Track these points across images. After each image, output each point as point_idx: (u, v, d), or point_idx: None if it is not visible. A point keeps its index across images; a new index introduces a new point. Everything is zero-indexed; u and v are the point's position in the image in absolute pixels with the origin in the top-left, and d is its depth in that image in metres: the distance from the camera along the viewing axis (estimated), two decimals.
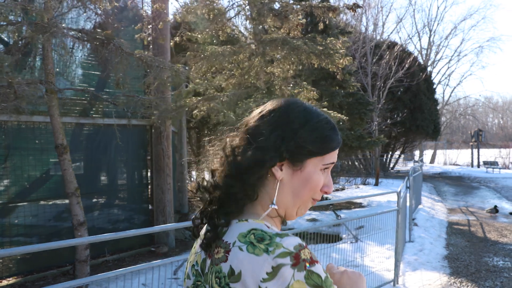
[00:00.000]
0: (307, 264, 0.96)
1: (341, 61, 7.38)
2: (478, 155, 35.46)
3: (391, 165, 33.56)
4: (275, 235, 1.01)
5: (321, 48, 6.95)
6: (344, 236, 11.74)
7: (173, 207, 10.39)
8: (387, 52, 21.85)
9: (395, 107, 27.63)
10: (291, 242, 0.99)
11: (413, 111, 28.28)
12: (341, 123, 8.49)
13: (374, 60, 21.59)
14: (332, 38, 13.67)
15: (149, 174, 10.54)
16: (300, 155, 1.12)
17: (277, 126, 1.12)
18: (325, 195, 4.00)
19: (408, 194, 9.80)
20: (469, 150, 37.45)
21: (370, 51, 20.81)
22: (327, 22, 14.98)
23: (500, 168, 30.19)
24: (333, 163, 1.18)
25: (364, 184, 22.19)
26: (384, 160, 31.87)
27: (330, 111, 8.05)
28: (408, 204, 9.80)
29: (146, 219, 10.20)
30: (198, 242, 1.21)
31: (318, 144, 1.13)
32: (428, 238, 9.97)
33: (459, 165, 40.17)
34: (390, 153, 33.54)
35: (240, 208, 1.12)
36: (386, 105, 26.80)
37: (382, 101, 20.92)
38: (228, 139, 1.18)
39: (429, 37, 47.18)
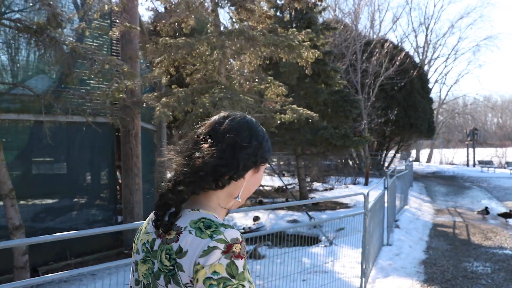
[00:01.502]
0: (233, 256, 1.17)
1: (306, 54, 6.93)
2: (474, 154, 35.00)
3: (386, 164, 33.09)
4: (220, 225, 1.23)
5: (281, 39, 6.50)
6: (322, 238, 11.32)
7: (142, 208, 9.95)
8: (377, 50, 21.37)
9: (388, 105, 27.17)
10: (231, 234, 1.20)
11: (406, 109, 27.80)
12: (315, 119, 8.04)
13: (364, 57, 21.12)
14: (308, 31, 13.19)
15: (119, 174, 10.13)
16: (261, 162, 1.40)
17: (254, 137, 1.37)
18: None
19: (386, 195, 9.35)
20: (466, 150, 37.00)
21: (360, 49, 20.35)
22: (308, 16, 14.63)
23: (495, 168, 29.75)
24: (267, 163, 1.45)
25: (354, 183, 21.77)
26: (379, 159, 31.42)
27: (299, 108, 7.61)
28: (386, 205, 9.35)
29: (114, 221, 9.78)
30: (149, 224, 1.41)
31: (269, 153, 1.44)
32: (408, 241, 9.53)
33: (455, 164, 39.71)
34: (385, 152, 33.07)
35: (194, 198, 1.33)
36: (379, 103, 26.38)
37: (372, 99, 20.44)
38: (204, 146, 1.34)
39: (426, 36, 46.70)
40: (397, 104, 27.52)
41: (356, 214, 6.57)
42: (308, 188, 21.31)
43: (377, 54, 20.69)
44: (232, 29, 6.57)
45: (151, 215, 1.45)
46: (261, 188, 22.18)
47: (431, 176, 27.70)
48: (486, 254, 8.84)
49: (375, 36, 28.76)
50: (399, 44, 35.09)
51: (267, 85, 7.47)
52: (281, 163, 30.51)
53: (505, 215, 12.10)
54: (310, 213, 14.25)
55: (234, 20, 7.37)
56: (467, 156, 36.28)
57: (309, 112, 7.74)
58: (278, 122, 7.72)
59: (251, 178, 1.40)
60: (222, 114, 1.41)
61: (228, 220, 13.44)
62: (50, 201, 8.97)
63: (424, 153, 52.84)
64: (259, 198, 17.24)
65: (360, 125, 20.22)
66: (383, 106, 26.88)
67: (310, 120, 15.40)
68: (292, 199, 16.76)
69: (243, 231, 12.38)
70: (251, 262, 8.36)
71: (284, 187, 20.82)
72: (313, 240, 10.91)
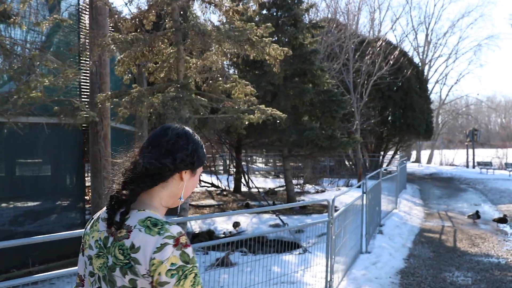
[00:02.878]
0: (183, 247, 1.43)
1: (268, 50, 6.48)
2: (474, 155, 34.42)
3: (385, 165, 32.57)
4: (165, 223, 1.47)
5: (236, 33, 6.05)
6: (304, 244, 10.87)
7: None
8: (369, 48, 20.87)
9: (385, 105, 26.68)
10: (175, 229, 1.46)
11: (403, 109, 27.30)
12: (283, 119, 7.58)
13: (357, 56, 20.64)
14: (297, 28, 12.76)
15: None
16: (198, 166, 1.66)
17: (191, 145, 1.62)
18: None
19: (364, 199, 8.90)
20: (466, 151, 36.36)
21: (352, 47, 19.87)
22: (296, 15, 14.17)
23: (494, 169, 29.16)
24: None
25: (347, 185, 21.28)
26: (378, 160, 30.93)
27: (267, 108, 7.17)
28: (364, 210, 8.90)
29: (83, 225, 9.35)
30: (100, 222, 1.61)
31: (204, 159, 1.68)
32: (389, 249, 9.07)
33: (455, 165, 39.09)
34: (382, 153, 32.58)
35: (140, 200, 1.55)
36: (375, 104, 25.87)
37: (365, 99, 19.96)
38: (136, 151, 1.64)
39: (426, 35, 46.10)
40: (394, 104, 27.04)
41: (318, 223, 6.13)
42: (299, 190, 20.90)
43: (370, 53, 20.17)
44: (185, 24, 6.10)
45: (100, 213, 1.65)
46: (252, 190, 21.79)
47: (428, 177, 27.16)
48: (470, 263, 8.38)
49: (374, 36, 28.31)
50: (398, 43, 34.51)
51: (233, 84, 7.03)
52: (278, 164, 30.08)
53: (500, 221, 11.59)
54: (295, 217, 13.82)
55: (197, 15, 6.89)
56: (467, 157, 35.69)
57: (277, 112, 7.29)
58: (246, 123, 7.29)
59: (189, 180, 1.63)
60: (164, 126, 1.66)
61: (210, 224, 13.02)
62: (9, 205, 8.57)
63: (425, 154, 52.18)
64: (246, 201, 16.82)
65: (352, 125, 19.73)
66: (379, 106, 26.39)
67: (297, 121, 15.07)
68: (280, 202, 16.31)
69: (223, 235, 11.95)
70: (219, 270, 7.94)
71: (273, 189, 20.44)
72: (294, 246, 10.45)
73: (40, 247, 8.43)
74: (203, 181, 22.90)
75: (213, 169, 23.79)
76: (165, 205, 1.63)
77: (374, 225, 10.58)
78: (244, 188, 22.00)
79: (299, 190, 20.80)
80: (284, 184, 22.25)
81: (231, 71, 17.69)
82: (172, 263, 1.40)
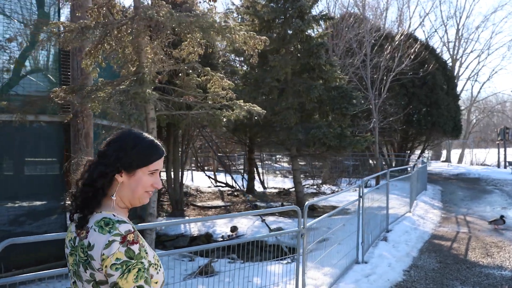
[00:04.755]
0: (129, 244, 1.58)
1: (236, 37, 5.78)
2: (505, 154, 32.77)
3: (411, 165, 31.32)
4: (116, 222, 1.65)
5: (191, 19, 5.38)
6: (301, 250, 10.15)
7: None
8: (388, 42, 19.87)
9: (409, 102, 25.50)
10: (124, 228, 1.62)
11: (429, 107, 26.10)
12: (262, 115, 6.87)
13: (374, 51, 19.68)
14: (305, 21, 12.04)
15: None
16: (131, 167, 1.75)
17: (115, 150, 1.74)
18: None
19: (360, 204, 8.13)
20: (497, 150, 34.66)
21: (369, 42, 18.93)
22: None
23: None
24: (157, 169, 1.81)
25: (366, 186, 20.34)
26: (403, 159, 29.79)
27: (246, 104, 6.50)
28: (361, 216, 8.12)
29: (63, 228, 8.87)
30: (72, 225, 1.77)
31: (142, 160, 1.76)
32: (390, 258, 8.27)
33: (487, 165, 37.37)
34: (408, 152, 31.39)
35: (96, 203, 1.73)
36: (397, 101, 24.80)
37: (383, 96, 18.99)
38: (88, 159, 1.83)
39: (457, 30, 44.35)
40: (418, 101, 25.84)
41: (287, 232, 5.44)
42: (315, 191, 20.09)
43: (389, 48, 19.17)
44: (136, 11, 5.46)
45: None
46: (265, 190, 21.12)
47: (453, 178, 25.89)
48: (479, 276, 7.51)
49: (401, 32, 27.12)
50: (426, 39, 33.25)
51: (207, 77, 6.38)
52: (301, 163, 29.27)
53: None
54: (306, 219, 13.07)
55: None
56: (498, 157, 34.05)
57: (258, 108, 6.61)
58: (224, 120, 6.64)
59: (129, 180, 1.77)
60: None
61: (209, 226, 12.42)
62: None
63: (456, 153, 50.36)
64: (255, 202, 16.16)
65: (370, 123, 18.80)
66: (403, 103, 25.28)
67: (306, 119, 14.30)
68: (290, 203, 15.59)
69: (221, 239, 11.33)
70: (197, 279, 7.32)
71: (287, 190, 19.70)
72: (292, 251, 9.75)
73: (13, 251, 8.00)
74: (217, 180, 22.37)
75: (228, 168, 23.14)
76: (122, 206, 1.80)
77: (378, 230, 9.78)
78: (259, 188, 21.39)
79: (314, 191, 20.03)
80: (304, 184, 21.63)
81: (244, 68, 17.12)
82: (117, 258, 1.56)
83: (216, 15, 5.73)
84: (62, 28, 5.46)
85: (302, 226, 5.27)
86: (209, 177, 22.42)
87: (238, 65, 18.39)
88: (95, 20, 6.64)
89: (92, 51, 6.47)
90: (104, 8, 6.48)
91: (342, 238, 8.17)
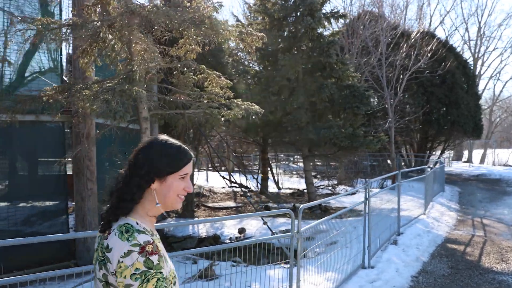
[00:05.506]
0: (148, 254, 1.60)
1: (227, 33, 5.55)
2: None
3: (431, 165, 30.67)
4: (136, 231, 1.66)
5: (178, 14, 5.15)
6: (308, 254, 9.89)
7: (97, 216, 8.88)
8: (404, 40, 19.41)
9: (428, 102, 24.93)
10: (142, 239, 1.63)
11: (448, 106, 25.50)
12: (260, 114, 6.63)
13: (389, 49, 19.25)
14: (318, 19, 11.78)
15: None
16: (161, 174, 1.76)
17: (145, 159, 1.76)
18: None
19: (366, 206, 7.84)
20: None
21: (384, 40, 18.52)
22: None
23: None
24: (187, 173, 1.82)
25: (382, 187, 19.93)
26: (423, 159, 29.19)
27: (244, 103, 6.28)
28: (367, 218, 7.83)
29: (65, 229, 8.79)
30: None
31: (171, 166, 1.78)
32: (399, 263, 7.95)
33: (509, 165, 36.43)
34: (428, 152, 30.75)
35: (127, 209, 1.75)
36: (415, 100, 24.30)
37: (399, 95, 18.56)
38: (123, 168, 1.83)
39: (478, 28, 43.38)
40: (437, 100, 25.25)
41: (281, 237, 5.19)
42: (330, 191, 19.73)
43: (405, 45, 18.73)
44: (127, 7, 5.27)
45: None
46: (279, 191, 20.86)
47: (473, 179, 25.25)
48: (491, 283, 7.16)
49: (423, 29, 26.54)
50: (446, 37, 32.55)
51: (203, 75, 6.17)
52: (318, 163, 28.88)
53: None
54: (311, 221, 12.76)
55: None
56: None
57: (256, 107, 6.38)
58: (222, 119, 6.43)
59: (160, 186, 1.77)
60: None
61: (217, 228, 12.23)
62: None
63: (478, 153, 49.25)
64: (267, 203, 15.91)
65: (385, 123, 18.39)
66: (421, 103, 24.74)
67: (318, 118, 14.01)
68: (300, 204, 15.28)
69: (229, 241, 11.12)
70: (196, 282, 7.11)
71: (302, 190, 19.40)
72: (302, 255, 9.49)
73: (14, 252, 7.93)
74: (231, 181, 22.18)
75: (243, 168, 22.95)
76: (151, 214, 1.81)
77: (388, 233, 9.46)
78: (273, 189, 21.14)
79: (329, 192, 19.69)
80: (317, 185, 21.28)
81: (256, 68, 16.89)
82: (136, 268, 1.58)
83: (205, 9, 5.49)
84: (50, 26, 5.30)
85: (296, 230, 5.02)
86: (223, 177, 22.24)
87: (251, 65, 18.19)
88: (90, 17, 6.49)
89: (88, 50, 6.32)
90: (99, 6, 6.32)
91: (348, 241, 7.92)
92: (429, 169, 14.75)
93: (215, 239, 11.49)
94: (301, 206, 5.24)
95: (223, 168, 27.88)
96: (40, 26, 5.04)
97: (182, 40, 6.33)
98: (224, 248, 6.03)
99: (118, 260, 1.59)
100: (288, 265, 7.88)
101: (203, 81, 6.30)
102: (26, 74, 9.03)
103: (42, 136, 8.45)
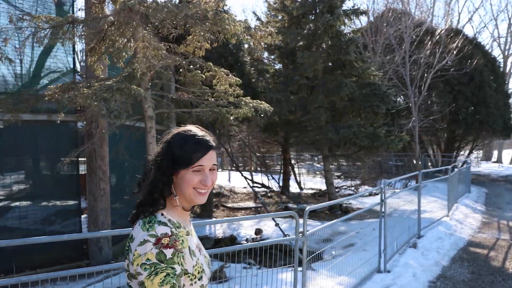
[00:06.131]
0: (162, 247, 1.57)
1: (232, 28, 5.36)
2: None
3: (459, 165, 29.90)
4: (157, 222, 1.66)
5: (180, 9, 4.98)
6: (325, 256, 9.65)
7: (109, 216, 8.82)
8: (428, 37, 18.91)
9: (454, 100, 24.30)
10: (161, 230, 1.62)
11: (475, 105, 24.80)
12: (269, 113, 6.44)
13: (413, 46, 18.79)
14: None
15: None
16: (175, 168, 1.73)
17: (163, 153, 1.74)
18: None
19: (383, 207, 7.56)
20: None
21: (408, 38, 18.08)
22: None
23: None
24: (201, 165, 1.74)
25: (406, 187, 19.47)
26: (450, 160, 28.51)
27: (251, 101, 6.10)
28: (383, 221, 7.55)
29: (78, 229, 8.75)
30: None
31: (185, 160, 1.72)
32: (416, 267, 7.65)
33: None
34: (455, 152, 30.01)
35: (151, 202, 1.74)
36: (441, 98, 23.73)
37: (423, 93, 18.11)
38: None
39: (508, 24, 42.15)
40: (465, 99, 24.59)
41: (284, 240, 4.99)
42: (353, 192, 19.37)
43: (429, 42, 18.25)
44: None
45: None
46: (301, 191, 20.60)
47: (502, 180, 24.53)
48: None
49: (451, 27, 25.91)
50: (474, 34, 31.72)
51: (210, 73, 6.01)
52: (343, 164, 28.47)
53: None
54: (328, 223, 12.49)
55: None
56: None
57: (265, 105, 6.19)
58: (232, 118, 6.26)
59: (177, 179, 1.74)
60: None
61: (234, 229, 12.08)
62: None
63: (509, 153, 47.93)
64: (287, 204, 15.71)
65: (409, 122, 17.96)
66: (448, 102, 24.13)
67: (338, 117, 13.72)
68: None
69: (245, 242, 10.95)
70: (210, 285, 6.97)
71: (324, 191, 19.08)
72: (317, 257, 9.28)
73: (26, 251, 7.92)
74: (253, 181, 22.02)
75: (265, 168, 22.76)
76: (176, 205, 1.76)
77: (407, 236, 9.15)
78: (295, 189, 20.89)
79: (352, 192, 19.33)
80: (338, 186, 20.94)
81: (276, 67, 16.68)
82: (148, 258, 1.56)
83: (207, 3, 5.32)
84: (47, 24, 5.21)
85: (300, 233, 4.81)
86: (245, 177, 22.07)
87: (272, 64, 17.98)
88: (98, 14, 6.40)
89: (97, 48, 6.23)
90: (105, 3, 6.22)
91: (366, 243, 7.69)
92: (454, 169, 14.29)
93: (231, 240, 11.34)
94: (307, 208, 5.03)
95: (246, 168, 27.80)
96: (39, 24, 4.96)
97: (190, 37, 6.19)
98: (233, 250, 5.87)
99: (135, 248, 1.59)
100: (300, 269, 7.69)
101: (211, 79, 6.14)
102: (42, 74, 9.05)
103: (54, 136, 8.43)
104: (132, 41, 5.30)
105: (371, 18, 22.01)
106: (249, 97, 6.25)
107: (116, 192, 10.57)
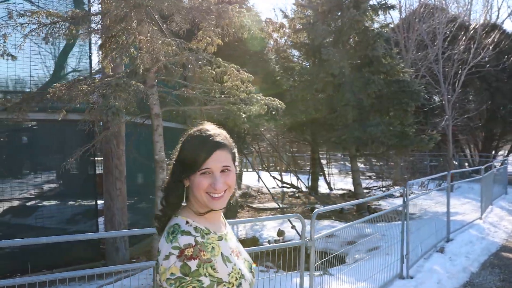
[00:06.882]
0: (186, 259, 1.47)
1: (236, 19, 5.11)
2: None
3: (497, 166, 28.79)
4: (180, 232, 1.55)
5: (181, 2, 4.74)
6: (348, 260, 9.29)
7: (126, 216, 8.71)
8: (462, 32, 18.20)
9: (491, 98, 23.37)
10: (184, 241, 1.52)
11: None
12: (280, 110, 6.16)
13: (447, 42, 18.12)
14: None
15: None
16: (185, 171, 1.63)
17: (177, 156, 1.70)
18: None
19: (406, 209, 7.17)
20: None
21: (442, 33, 17.45)
22: None
23: None
24: (208, 168, 1.61)
25: (439, 185, 18.78)
26: (487, 160, 27.50)
27: (263, 98, 5.87)
28: (405, 223, 7.16)
29: (94, 229, 8.68)
30: None
31: (191, 163, 1.61)
32: (442, 273, 7.23)
33: None
34: (493, 152, 28.94)
35: (172, 208, 1.68)
36: (478, 96, 22.90)
37: (457, 91, 17.43)
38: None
39: None
40: (503, 96, 23.61)
41: (290, 245, 4.71)
42: (384, 192, 18.83)
43: (463, 38, 17.56)
44: None
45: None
46: (330, 191, 20.19)
47: None
48: None
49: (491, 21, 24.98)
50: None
51: (221, 69, 5.78)
52: (376, 163, 27.86)
53: None
54: (357, 225, 12.07)
55: None
56: None
57: (277, 102, 5.92)
58: (244, 115, 6.02)
59: (188, 183, 1.65)
60: None
61: (257, 230, 11.84)
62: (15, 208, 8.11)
63: None
64: (314, 205, 15.37)
65: (442, 120, 17.34)
66: (485, 99, 23.24)
67: (366, 116, 13.30)
68: (353, 206, 14.64)
69: (267, 243, 10.69)
70: None
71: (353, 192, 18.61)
72: (341, 260, 8.94)
73: (42, 251, 7.89)
74: (282, 181, 21.73)
75: (293, 168, 22.44)
76: (196, 210, 1.66)
77: (435, 240, 8.70)
78: (325, 190, 20.50)
79: (384, 192, 18.80)
80: (369, 187, 20.43)
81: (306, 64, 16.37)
82: (172, 273, 1.47)
83: None
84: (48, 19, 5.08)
85: (307, 238, 4.52)
86: (273, 177, 21.80)
87: (300, 61, 17.64)
88: (106, 9, 6.26)
89: (106, 44, 6.09)
90: None
91: (390, 247, 7.33)
92: (489, 170, 13.67)
93: (253, 241, 11.10)
94: (315, 210, 4.73)
95: (277, 168, 27.50)
96: (41, 19, 4.84)
97: (200, 32, 5.97)
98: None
99: (161, 263, 1.52)
100: (319, 273, 7.38)
101: (221, 75, 5.92)
102: (62, 74, 9.04)
103: (71, 135, 8.37)
104: (134, 36, 5.12)
105: (403, 15, 21.43)
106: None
107: (141, 191, 10.49)
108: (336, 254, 6.64)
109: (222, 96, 5.91)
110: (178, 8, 4.84)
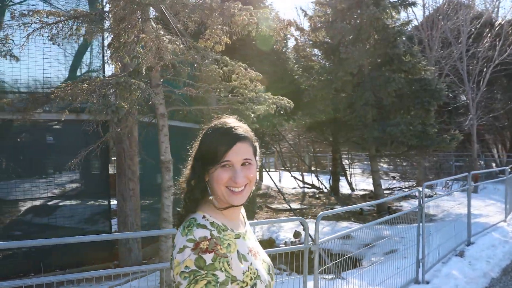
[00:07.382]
0: (201, 252, 1.42)
1: (238, 18, 4.97)
2: None
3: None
4: (196, 225, 1.51)
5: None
6: (364, 263, 9.06)
7: (139, 216, 8.67)
8: (487, 30, 17.70)
9: None
10: (199, 233, 1.47)
11: None
12: (289, 109, 6.02)
13: (471, 39, 17.66)
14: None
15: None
16: (205, 165, 1.59)
17: (196, 150, 1.67)
18: None
19: (422, 213, 6.93)
20: None
21: (466, 30, 17.00)
22: None
23: None
24: (227, 160, 1.56)
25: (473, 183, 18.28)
26: None
27: (273, 97, 5.75)
28: (421, 226, 6.92)
29: (108, 230, 8.67)
30: None
31: (211, 155, 1.57)
32: (460, 279, 6.96)
33: None
34: None
35: (192, 203, 1.63)
36: (504, 94, 22.29)
37: (482, 89, 16.96)
38: None
39: None
40: None
41: (291, 249, 4.56)
42: (406, 193, 18.46)
43: (488, 35, 17.09)
44: None
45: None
46: (352, 192, 19.91)
47: None
48: None
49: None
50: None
51: (226, 67, 5.65)
52: (400, 163, 27.40)
53: None
54: (377, 227, 11.81)
55: None
56: None
57: (286, 100, 5.78)
58: (252, 115, 5.89)
59: (209, 177, 1.60)
60: None
61: (274, 231, 11.68)
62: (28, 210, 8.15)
63: None
64: (334, 206, 15.14)
65: (466, 120, 16.89)
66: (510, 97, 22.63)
67: (387, 115, 13.03)
68: (373, 207, 14.38)
69: (283, 245, 10.54)
70: None
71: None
72: (355, 263, 8.74)
73: (55, 252, 7.91)
74: (303, 181, 21.53)
75: (315, 168, 22.21)
76: (217, 206, 1.62)
77: (454, 243, 8.42)
78: (347, 190, 20.24)
79: (406, 194, 18.43)
80: (391, 187, 20.07)
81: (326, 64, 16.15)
82: (186, 266, 1.42)
83: None
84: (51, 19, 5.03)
85: (310, 242, 4.36)
86: (294, 177, 21.61)
87: (320, 60, 17.43)
88: (114, 9, 6.20)
89: (115, 43, 6.02)
90: None
91: (408, 250, 7.13)
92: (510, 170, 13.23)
93: (270, 242, 10.97)
94: (320, 213, 4.57)
95: (299, 168, 27.29)
96: (44, 19, 4.81)
97: (208, 30, 5.86)
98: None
99: (175, 256, 1.48)
100: (331, 277, 7.20)
101: (229, 74, 5.80)
102: (78, 74, 9.06)
103: (83, 135, 8.38)
104: (137, 34, 5.04)
105: (427, 12, 21.00)
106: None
107: (156, 192, 10.45)
108: (348, 257, 6.47)
109: (229, 96, 5.79)
110: (182, 6, 4.73)
